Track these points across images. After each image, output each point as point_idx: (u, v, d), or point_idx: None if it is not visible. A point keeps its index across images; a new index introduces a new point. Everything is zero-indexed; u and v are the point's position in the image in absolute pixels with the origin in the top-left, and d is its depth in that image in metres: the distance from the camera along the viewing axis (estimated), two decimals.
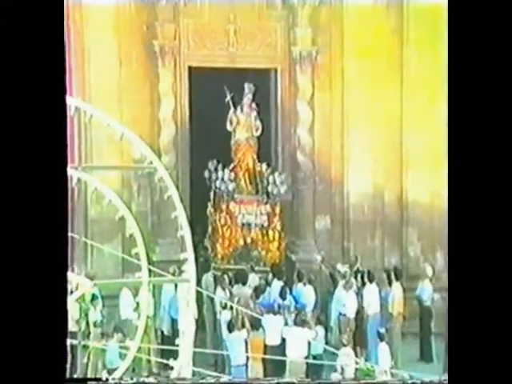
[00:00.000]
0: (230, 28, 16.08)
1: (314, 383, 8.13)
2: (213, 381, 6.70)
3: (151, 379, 7.44)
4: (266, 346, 13.11)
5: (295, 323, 13.34)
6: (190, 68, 16.03)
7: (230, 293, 14.18)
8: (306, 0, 16.17)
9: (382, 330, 13.30)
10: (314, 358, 12.99)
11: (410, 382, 7.21)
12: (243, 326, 13.21)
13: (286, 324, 13.46)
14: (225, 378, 10.44)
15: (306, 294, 14.64)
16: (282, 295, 14.24)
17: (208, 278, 14.69)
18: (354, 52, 16.46)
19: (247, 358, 12.91)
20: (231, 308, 13.55)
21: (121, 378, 6.12)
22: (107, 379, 5.80)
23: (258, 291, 14.38)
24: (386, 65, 16.51)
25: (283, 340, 13.21)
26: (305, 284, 14.77)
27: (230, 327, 13.12)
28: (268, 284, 14.72)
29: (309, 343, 13.04)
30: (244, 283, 14.51)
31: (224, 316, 13.61)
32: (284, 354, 12.95)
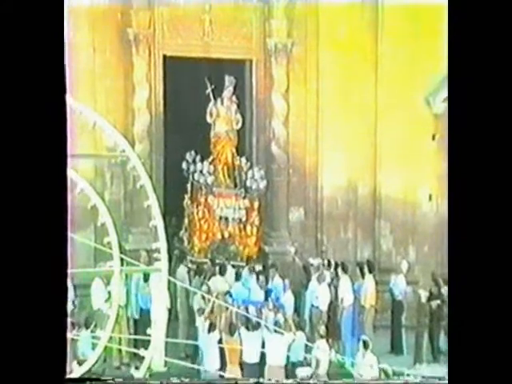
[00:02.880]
0: (205, 18, 15.98)
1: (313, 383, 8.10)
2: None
3: (153, 380, 7.38)
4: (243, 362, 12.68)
5: (275, 323, 13.00)
6: (164, 57, 15.90)
7: (208, 287, 13.91)
8: None
9: (366, 338, 12.87)
10: (294, 364, 12.73)
11: (410, 382, 7.24)
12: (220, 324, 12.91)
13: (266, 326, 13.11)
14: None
15: (286, 297, 14.37)
16: (265, 293, 14.09)
17: (183, 270, 14.57)
18: (330, 45, 16.45)
19: (222, 364, 12.59)
20: (208, 306, 13.27)
21: (121, 379, 6.07)
22: (108, 379, 5.76)
23: (235, 286, 14.22)
24: (361, 59, 16.53)
25: (262, 357, 12.60)
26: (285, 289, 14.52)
27: (210, 329, 12.68)
28: (246, 279, 14.55)
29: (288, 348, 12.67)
30: (221, 277, 14.33)
31: (200, 320, 13.18)
32: (262, 370, 12.42)
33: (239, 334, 12.61)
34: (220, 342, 12.64)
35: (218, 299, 13.16)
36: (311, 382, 10.55)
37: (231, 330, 12.73)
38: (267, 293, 14.18)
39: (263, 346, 12.50)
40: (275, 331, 12.50)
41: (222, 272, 14.44)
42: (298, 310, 14.49)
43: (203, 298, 13.36)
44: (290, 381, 9.85)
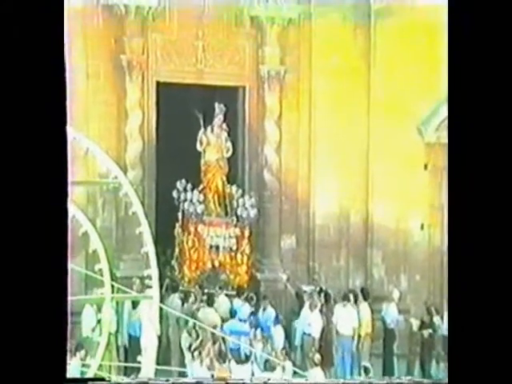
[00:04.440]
0: (198, 44, 16.03)
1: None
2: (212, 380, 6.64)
3: (153, 379, 7.36)
4: None
5: (264, 353, 12.91)
6: (157, 83, 15.92)
7: (196, 317, 13.77)
8: (275, 19, 16.18)
9: (368, 365, 12.90)
10: None
11: (409, 381, 7.19)
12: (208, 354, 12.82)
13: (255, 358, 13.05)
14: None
15: (276, 328, 14.32)
16: (255, 324, 14.00)
17: (174, 298, 14.42)
18: (322, 72, 16.49)
19: None
20: (197, 336, 13.20)
21: (122, 379, 6.08)
22: (108, 379, 5.76)
23: (226, 316, 14.15)
24: (354, 86, 16.56)
25: None
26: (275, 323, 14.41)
27: (197, 358, 12.69)
28: (236, 308, 14.48)
29: None
30: (210, 307, 14.22)
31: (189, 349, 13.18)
32: None
33: (229, 363, 12.54)
34: (209, 369, 12.56)
35: (207, 329, 13.06)
36: (309, 381, 10.49)
37: (222, 357, 12.64)
38: (257, 323, 14.08)
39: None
40: (265, 367, 12.42)
41: (210, 302, 14.33)
42: (288, 338, 14.40)
43: (189, 333, 13.24)
44: (281, 380, 9.79)
